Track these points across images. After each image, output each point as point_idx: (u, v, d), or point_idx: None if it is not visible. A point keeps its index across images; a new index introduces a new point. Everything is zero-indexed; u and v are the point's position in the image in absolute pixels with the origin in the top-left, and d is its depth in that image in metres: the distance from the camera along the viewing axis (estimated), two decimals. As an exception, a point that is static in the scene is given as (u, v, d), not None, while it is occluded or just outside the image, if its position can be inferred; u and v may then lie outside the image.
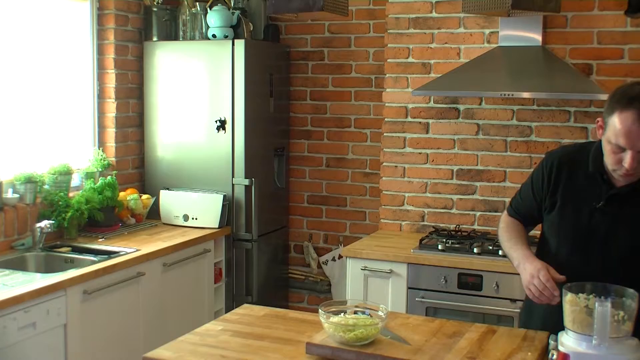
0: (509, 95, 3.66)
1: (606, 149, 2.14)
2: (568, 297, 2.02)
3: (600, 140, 2.20)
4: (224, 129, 4.34)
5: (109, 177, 4.12)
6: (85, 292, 3.28)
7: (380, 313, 2.27)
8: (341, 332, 2.15)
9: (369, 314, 2.28)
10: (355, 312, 2.30)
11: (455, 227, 4.06)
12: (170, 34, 4.53)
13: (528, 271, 2.22)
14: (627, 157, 2.06)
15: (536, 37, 3.88)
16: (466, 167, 4.12)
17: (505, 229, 2.47)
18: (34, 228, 3.67)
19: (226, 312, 3.68)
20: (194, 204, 4.34)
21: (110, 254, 3.60)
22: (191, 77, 4.43)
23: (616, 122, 2.05)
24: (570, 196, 2.28)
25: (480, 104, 4.07)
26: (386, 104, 4.32)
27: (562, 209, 2.30)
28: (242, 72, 4.27)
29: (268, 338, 2.34)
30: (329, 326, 2.18)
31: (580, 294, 2.01)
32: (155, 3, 4.50)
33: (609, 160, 2.14)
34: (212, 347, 2.26)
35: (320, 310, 2.23)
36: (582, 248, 2.25)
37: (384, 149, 4.34)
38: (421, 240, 3.83)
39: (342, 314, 2.27)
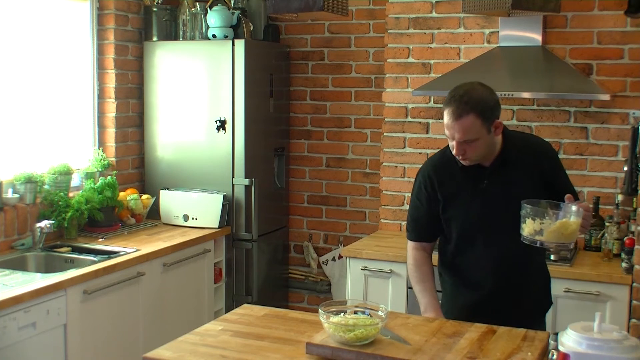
0: (509, 95, 3.66)
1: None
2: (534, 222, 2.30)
3: None
4: (224, 129, 4.34)
5: (109, 177, 4.12)
6: (85, 292, 3.28)
7: (380, 313, 2.27)
8: (341, 332, 2.15)
9: (369, 314, 2.28)
10: (355, 312, 2.30)
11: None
12: (170, 34, 4.53)
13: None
14: (454, 145, 2.47)
15: (536, 37, 3.88)
16: (466, 167, 4.12)
17: (415, 268, 2.72)
18: (34, 228, 3.67)
19: (226, 312, 3.68)
20: (194, 204, 4.34)
21: (110, 254, 3.60)
22: (191, 77, 4.43)
23: (444, 116, 2.47)
24: (457, 189, 2.59)
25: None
26: (386, 104, 4.32)
27: (456, 201, 2.59)
28: (242, 72, 4.27)
29: (268, 338, 2.34)
30: (329, 326, 2.18)
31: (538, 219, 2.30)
32: (155, 3, 4.49)
33: (450, 146, 2.52)
34: (212, 347, 2.26)
35: (320, 310, 2.23)
36: (483, 223, 2.56)
37: (384, 149, 4.34)
38: (421, 240, 3.83)
39: (342, 314, 2.27)
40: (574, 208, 2.30)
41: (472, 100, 2.41)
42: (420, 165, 4.02)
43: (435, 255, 2.76)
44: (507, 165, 2.55)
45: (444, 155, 2.65)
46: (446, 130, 2.46)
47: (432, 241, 2.74)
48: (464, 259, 2.63)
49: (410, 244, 2.75)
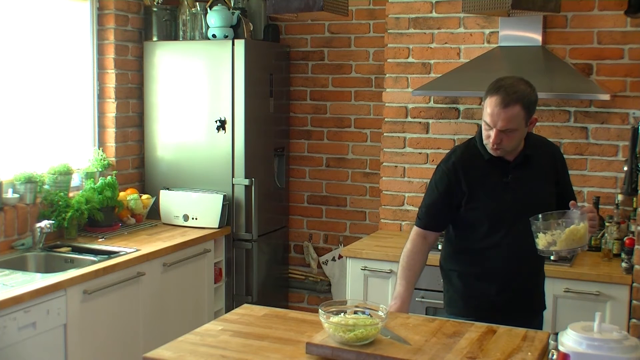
0: (509, 95, 3.65)
1: (483, 125, 2.59)
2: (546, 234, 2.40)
3: (477, 133, 2.68)
4: (224, 129, 4.34)
5: (109, 177, 4.12)
6: (85, 292, 3.28)
7: (380, 313, 2.26)
8: (341, 332, 2.15)
9: (369, 314, 2.28)
10: (355, 312, 2.30)
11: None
12: (170, 34, 4.53)
13: (392, 309, 2.62)
14: (492, 134, 2.52)
15: (536, 37, 3.88)
16: (466, 167, 4.12)
17: (410, 254, 2.74)
18: (34, 228, 3.67)
19: (226, 312, 3.68)
20: (194, 204, 4.34)
21: (110, 254, 3.60)
22: (191, 77, 4.43)
23: (487, 105, 2.53)
24: (481, 181, 2.65)
25: (480, 104, 4.07)
26: (386, 104, 4.32)
27: (479, 193, 2.64)
28: (242, 72, 4.27)
29: (268, 338, 2.34)
30: (329, 326, 2.18)
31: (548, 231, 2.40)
32: (155, 3, 4.49)
33: (483, 135, 2.59)
34: (212, 347, 2.26)
35: (320, 310, 2.23)
36: (504, 217, 2.62)
37: (384, 149, 4.34)
38: (421, 240, 3.83)
39: (342, 314, 2.27)
40: (578, 213, 2.41)
41: (520, 92, 2.51)
42: (420, 166, 4.02)
43: (434, 255, 2.77)
44: (528, 161, 2.65)
45: (469, 147, 2.72)
46: (488, 117, 2.51)
47: (438, 231, 2.76)
48: (485, 250, 2.67)
49: (416, 230, 2.76)
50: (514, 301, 2.67)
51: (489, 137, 2.56)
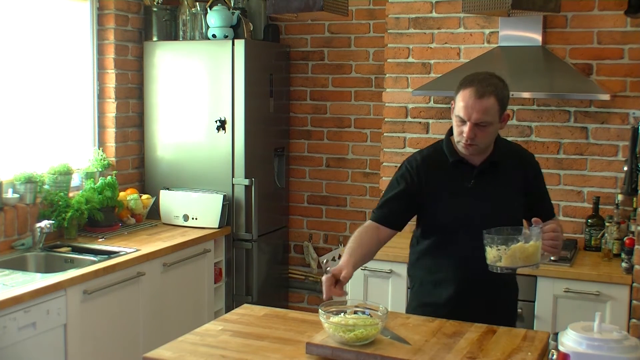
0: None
1: (454, 123, 2.50)
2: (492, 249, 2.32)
3: (447, 134, 2.60)
4: (224, 129, 4.34)
5: (109, 177, 4.12)
6: (85, 292, 3.28)
7: (380, 313, 2.26)
8: (341, 332, 2.15)
9: (369, 314, 2.28)
10: (355, 312, 2.30)
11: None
12: (170, 34, 4.53)
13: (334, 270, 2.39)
14: (466, 129, 2.43)
15: (536, 37, 3.88)
16: (466, 167, 4.12)
17: (357, 234, 2.54)
18: (34, 228, 3.67)
19: (226, 312, 3.68)
20: (194, 204, 4.34)
21: (110, 254, 3.61)
22: (191, 77, 4.43)
23: (459, 99, 2.45)
24: (443, 185, 2.56)
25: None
26: (386, 104, 4.32)
27: (439, 197, 2.56)
28: (242, 72, 4.27)
29: (268, 338, 2.34)
30: (329, 326, 2.18)
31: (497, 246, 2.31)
32: (155, 3, 4.50)
33: (455, 132, 2.50)
34: (212, 347, 2.26)
35: (320, 310, 2.23)
36: (465, 223, 2.51)
37: (384, 149, 4.34)
38: (421, 240, 3.83)
39: (342, 314, 2.27)
40: (533, 231, 2.32)
41: (493, 85, 2.45)
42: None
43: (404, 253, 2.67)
44: (495, 167, 2.56)
45: (436, 149, 2.63)
46: (462, 111, 2.43)
47: (392, 228, 2.58)
48: (442, 256, 2.57)
49: (368, 223, 2.60)
50: (471, 314, 2.47)
51: (461, 134, 2.45)
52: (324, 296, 2.32)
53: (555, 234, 2.38)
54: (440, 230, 2.58)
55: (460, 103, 2.44)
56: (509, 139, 3.99)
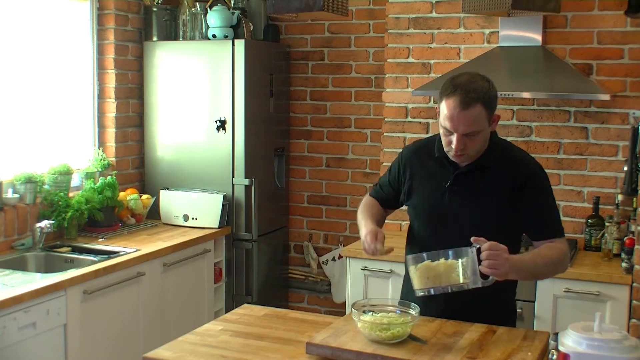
0: (509, 95, 3.66)
1: (440, 132, 2.37)
2: (415, 267, 2.22)
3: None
4: (224, 129, 4.34)
5: (109, 177, 4.12)
6: (85, 292, 3.28)
7: (412, 311, 2.28)
8: (377, 331, 2.17)
9: (400, 312, 2.31)
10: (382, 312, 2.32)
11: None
12: (170, 34, 4.53)
13: (362, 234, 2.49)
14: (454, 139, 2.29)
15: (536, 37, 3.88)
16: (466, 167, 4.12)
17: (363, 206, 2.68)
18: (34, 228, 3.67)
19: (226, 312, 3.68)
20: (194, 204, 4.34)
21: (110, 254, 3.61)
22: (191, 77, 4.43)
23: (444, 108, 2.28)
24: (423, 180, 2.50)
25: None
26: (386, 104, 4.32)
27: (417, 192, 2.51)
28: (242, 72, 4.27)
29: (268, 338, 2.34)
30: (364, 325, 2.19)
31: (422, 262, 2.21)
32: (155, 3, 4.49)
33: (444, 142, 2.36)
34: (212, 347, 2.26)
35: (352, 310, 2.26)
36: (439, 225, 2.44)
37: (384, 149, 4.34)
38: (421, 240, 3.82)
39: (371, 313, 2.29)
40: (461, 250, 2.16)
41: (478, 89, 2.26)
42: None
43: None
44: (480, 172, 2.39)
45: (429, 142, 2.55)
46: (447, 122, 2.27)
47: (384, 206, 2.68)
48: (420, 249, 2.40)
49: (368, 197, 2.74)
50: (466, 316, 2.40)
51: (450, 144, 2.31)
52: (371, 252, 2.41)
53: (490, 253, 2.13)
54: (417, 224, 2.54)
55: (445, 112, 2.27)
56: (509, 139, 4.02)
